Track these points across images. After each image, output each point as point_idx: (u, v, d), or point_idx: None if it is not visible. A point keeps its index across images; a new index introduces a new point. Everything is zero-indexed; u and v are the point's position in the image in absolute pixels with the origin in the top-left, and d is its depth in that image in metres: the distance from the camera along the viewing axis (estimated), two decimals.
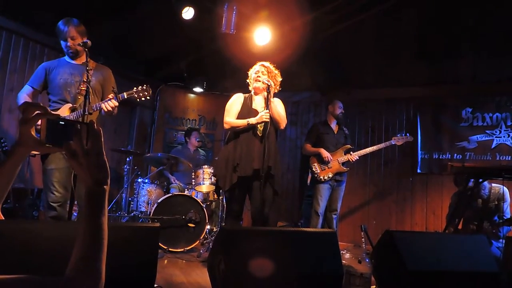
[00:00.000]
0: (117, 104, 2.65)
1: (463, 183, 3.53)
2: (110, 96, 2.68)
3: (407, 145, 4.58)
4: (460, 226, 3.71)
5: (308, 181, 4.68)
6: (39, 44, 4.35)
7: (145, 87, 2.74)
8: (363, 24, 4.56)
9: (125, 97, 2.71)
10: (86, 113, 2.50)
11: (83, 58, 2.85)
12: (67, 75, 2.79)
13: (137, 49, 5.04)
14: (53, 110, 2.71)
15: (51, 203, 2.61)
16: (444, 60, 4.91)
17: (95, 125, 0.79)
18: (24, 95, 2.80)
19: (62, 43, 2.80)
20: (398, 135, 4.38)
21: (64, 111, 2.70)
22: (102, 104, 2.63)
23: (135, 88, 2.74)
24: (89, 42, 2.69)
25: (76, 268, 0.71)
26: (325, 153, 4.12)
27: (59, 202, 2.62)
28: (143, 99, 2.76)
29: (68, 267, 0.72)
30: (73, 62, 2.85)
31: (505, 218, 3.62)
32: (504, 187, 3.65)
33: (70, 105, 2.73)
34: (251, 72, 3.21)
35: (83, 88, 2.64)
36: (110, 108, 2.62)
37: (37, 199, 3.90)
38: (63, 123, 0.81)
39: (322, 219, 4.15)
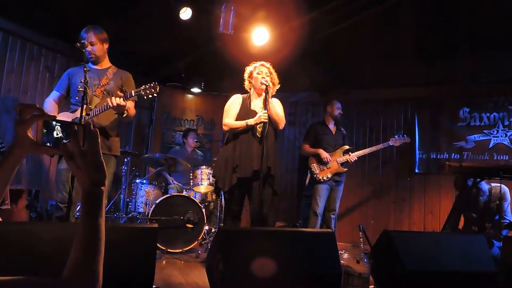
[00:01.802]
0: (121, 101, 2.63)
1: (463, 185, 3.54)
2: (119, 95, 2.69)
3: (405, 145, 4.59)
4: (460, 227, 3.72)
5: (307, 182, 4.68)
6: (36, 45, 4.34)
7: (153, 84, 2.71)
8: (361, 24, 4.57)
9: (133, 94, 2.70)
10: (84, 113, 2.52)
11: (104, 64, 2.95)
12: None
13: (135, 49, 5.03)
14: (72, 112, 2.82)
15: (59, 203, 2.65)
16: (441, 60, 4.92)
17: (92, 126, 0.79)
18: (50, 100, 2.93)
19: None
20: (396, 136, 4.40)
21: (79, 112, 2.74)
22: (108, 100, 2.64)
23: (143, 86, 2.74)
24: (86, 43, 2.73)
25: (73, 270, 0.71)
26: (324, 154, 4.12)
27: (67, 203, 2.62)
28: (150, 96, 2.73)
29: (65, 268, 0.72)
30: (94, 67, 2.91)
31: (506, 217, 3.62)
32: (504, 186, 3.66)
33: (85, 106, 2.77)
34: (252, 70, 3.19)
35: (81, 89, 2.64)
36: (115, 104, 2.62)
37: (34, 200, 3.88)
38: (59, 124, 0.81)
39: (320, 219, 4.16)
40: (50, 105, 2.89)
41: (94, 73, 2.86)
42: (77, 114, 2.77)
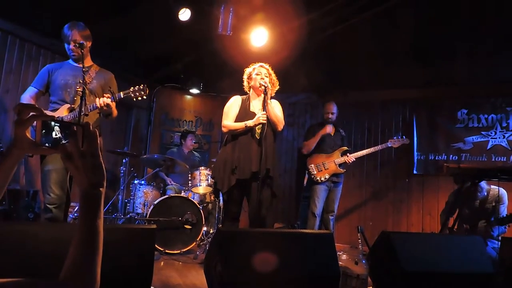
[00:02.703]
0: (110, 101, 2.62)
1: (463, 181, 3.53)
2: (107, 95, 2.67)
3: (403, 147, 4.60)
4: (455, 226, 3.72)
5: (305, 182, 4.69)
6: (35, 45, 4.33)
7: (142, 87, 2.73)
8: (359, 26, 4.57)
9: (122, 96, 2.71)
10: (83, 113, 2.50)
11: (87, 62, 2.89)
12: (68, 76, 2.81)
13: (134, 50, 5.03)
14: (52, 111, 2.74)
15: (47, 205, 2.61)
16: (439, 61, 4.93)
17: (91, 126, 0.78)
18: (27, 96, 2.83)
19: (66, 46, 2.84)
20: (395, 137, 4.41)
21: (62, 112, 2.72)
22: (97, 100, 2.62)
23: (132, 87, 2.73)
24: (85, 43, 2.71)
25: (71, 271, 0.71)
26: (327, 128, 4.25)
27: (55, 204, 2.61)
28: (139, 98, 2.74)
29: (63, 270, 0.71)
30: (76, 64, 2.87)
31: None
32: (502, 189, 3.66)
33: (69, 105, 2.75)
34: (251, 72, 3.19)
35: (80, 89, 2.63)
36: (103, 104, 2.59)
37: (32, 201, 3.87)
38: (58, 124, 0.81)
39: (319, 221, 4.16)
40: (26, 102, 2.77)
41: (77, 71, 2.80)
42: (59, 113, 2.71)
